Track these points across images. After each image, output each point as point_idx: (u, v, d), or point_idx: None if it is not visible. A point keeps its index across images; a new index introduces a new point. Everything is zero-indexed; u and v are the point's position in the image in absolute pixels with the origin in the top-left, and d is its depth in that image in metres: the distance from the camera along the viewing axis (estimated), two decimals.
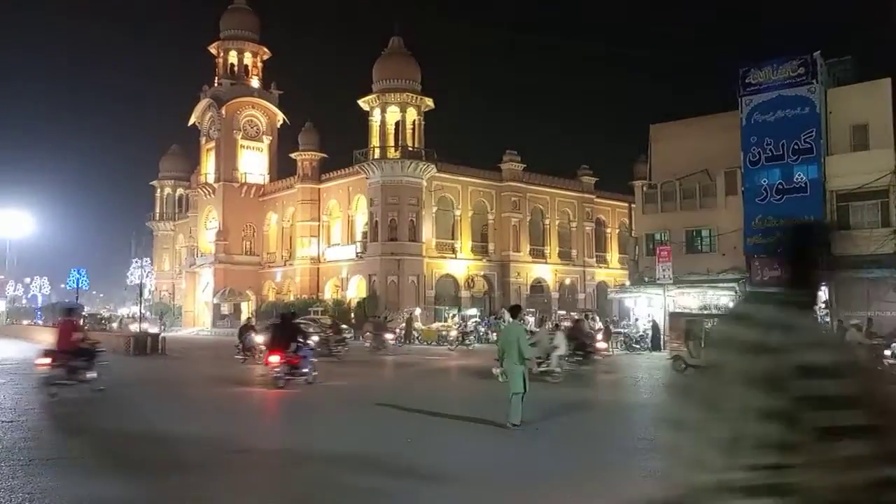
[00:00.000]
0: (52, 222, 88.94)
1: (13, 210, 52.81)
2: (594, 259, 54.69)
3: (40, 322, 37.73)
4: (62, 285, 63.70)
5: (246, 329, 22.14)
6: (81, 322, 14.91)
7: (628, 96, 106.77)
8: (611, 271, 55.06)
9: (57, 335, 12.31)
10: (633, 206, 40.19)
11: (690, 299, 30.88)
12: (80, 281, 45.98)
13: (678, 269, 29.57)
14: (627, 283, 37.51)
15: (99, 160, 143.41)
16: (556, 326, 20.90)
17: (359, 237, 48.77)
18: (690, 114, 34.69)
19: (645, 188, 35.26)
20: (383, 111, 44.86)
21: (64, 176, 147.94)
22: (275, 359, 14.03)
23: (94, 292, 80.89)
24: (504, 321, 37.10)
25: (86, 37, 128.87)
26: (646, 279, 32.23)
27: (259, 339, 20.80)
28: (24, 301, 70.24)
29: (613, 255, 56.57)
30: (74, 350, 11.99)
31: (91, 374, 12.13)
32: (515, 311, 10.48)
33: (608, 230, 56.88)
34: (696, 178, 32.58)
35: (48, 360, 11.87)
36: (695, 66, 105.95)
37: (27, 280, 69.55)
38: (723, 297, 29.91)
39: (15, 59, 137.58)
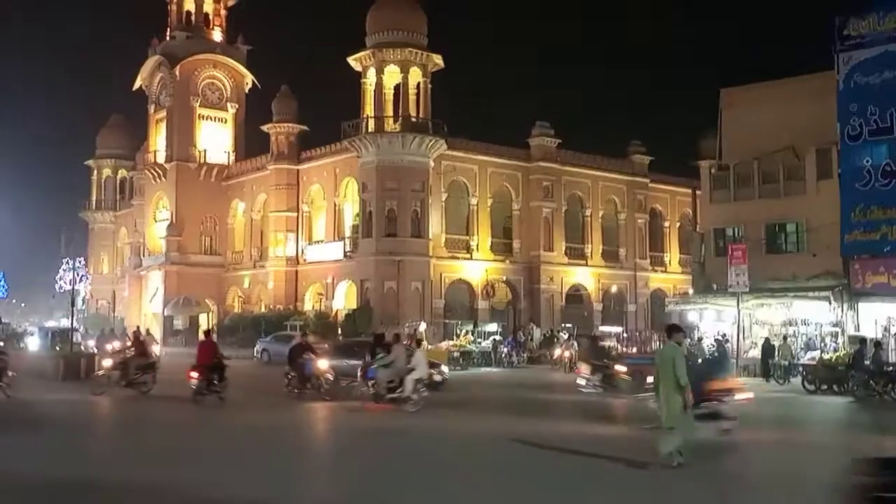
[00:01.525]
0: None
1: None
2: (648, 261, 54.63)
3: None
4: None
5: (302, 350, 20.15)
6: None
7: (694, 52, 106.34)
8: (669, 276, 55.02)
9: (199, 353, 18.81)
10: (698, 192, 40.10)
11: (772, 312, 30.78)
12: None
13: (756, 273, 29.44)
14: (691, 291, 37.43)
15: (19, 133, 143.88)
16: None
17: (348, 232, 48.91)
18: (773, 75, 34.57)
19: (713, 170, 35.18)
20: (379, 72, 44.94)
21: None
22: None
23: (13, 301, 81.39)
24: (532, 338, 38.02)
25: None
26: (714, 287, 32.16)
27: (323, 364, 19.72)
28: None
29: (673, 256, 56.49)
30: (212, 365, 18.48)
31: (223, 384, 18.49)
32: (673, 330, 11.39)
33: (666, 224, 56.80)
34: (780, 158, 32.46)
35: (197, 374, 18.33)
36: (779, 11, 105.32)
37: None
38: (813, 310, 29.78)
39: None
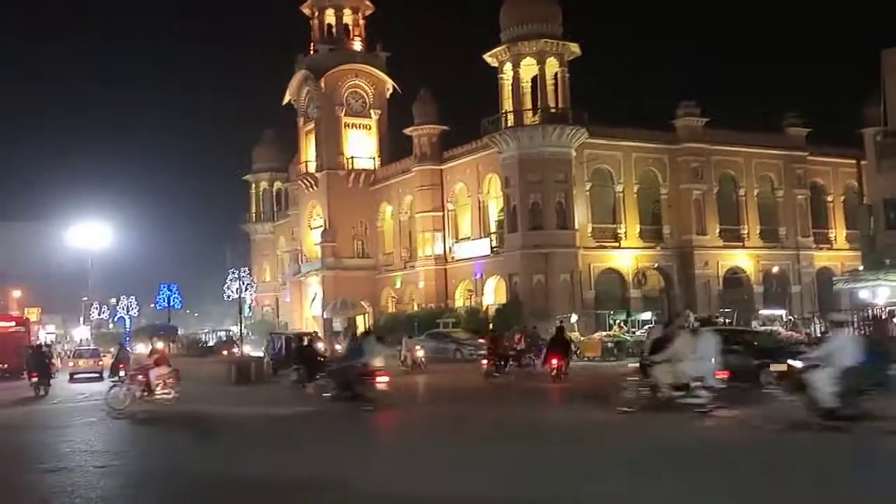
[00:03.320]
0: (135, 233, 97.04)
1: (90, 222, 58.60)
2: (811, 238, 51.92)
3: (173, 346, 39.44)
4: (151, 305, 69.63)
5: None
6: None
7: (851, 9, 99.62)
8: (836, 253, 52.15)
9: (490, 342, 25.23)
10: (863, 162, 37.91)
11: None
12: (172, 299, 50.13)
13: None
14: (860, 268, 35.40)
15: (183, 157, 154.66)
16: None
17: (493, 228, 49.31)
18: None
19: (879, 137, 33.15)
20: (516, 66, 45.00)
21: (145, 178, 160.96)
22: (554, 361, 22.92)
23: (187, 311, 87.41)
24: (689, 325, 36.64)
25: (161, 13, 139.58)
26: (887, 262, 30.29)
27: None
28: (110, 325, 77.37)
29: (839, 232, 53.49)
30: (504, 354, 24.59)
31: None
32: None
33: (829, 198, 53.83)
34: None
35: (489, 360, 24.31)
36: None
37: (112, 301, 76.34)
38: None
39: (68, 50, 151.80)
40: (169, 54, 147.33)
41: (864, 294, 32.29)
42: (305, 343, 26.50)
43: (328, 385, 18.86)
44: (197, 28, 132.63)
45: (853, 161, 46.66)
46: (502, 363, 24.39)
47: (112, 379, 20.66)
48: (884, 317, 26.05)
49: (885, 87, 33.64)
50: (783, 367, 15.97)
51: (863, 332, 26.11)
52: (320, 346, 27.80)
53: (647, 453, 11.13)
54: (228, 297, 56.52)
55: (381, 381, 17.43)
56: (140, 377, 17.94)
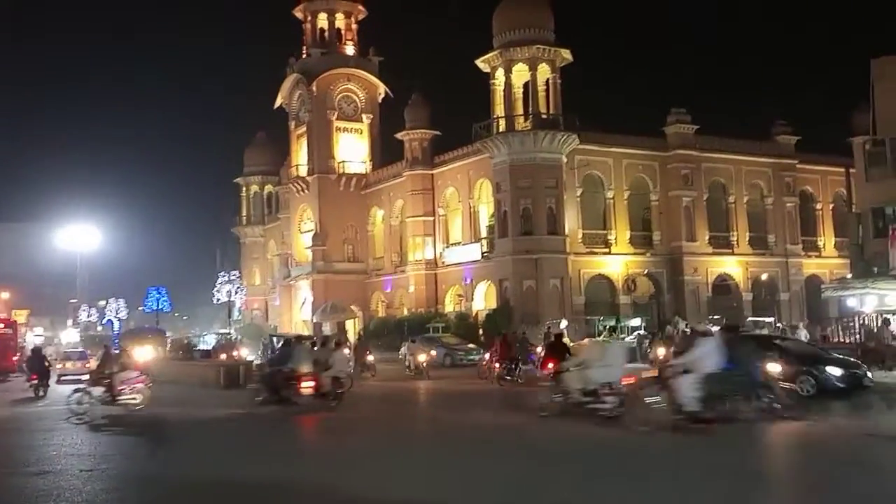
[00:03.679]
0: (125, 235, 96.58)
1: (79, 223, 58.37)
2: (800, 246, 52.11)
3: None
4: (140, 308, 69.24)
5: None
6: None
7: (838, 19, 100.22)
8: (824, 261, 52.35)
9: (500, 347, 24.87)
10: (852, 171, 38.06)
11: None
12: (161, 302, 49.95)
13: None
14: (849, 276, 35.55)
15: (174, 158, 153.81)
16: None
17: (484, 233, 49.32)
18: None
19: (868, 146, 33.34)
20: (508, 71, 45.06)
21: (134, 179, 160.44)
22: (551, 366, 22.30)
23: (176, 314, 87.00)
24: (678, 332, 36.61)
25: (154, 15, 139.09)
26: (875, 270, 30.44)
27: None
28: (98, 328, 76.93)
29: (827, 240, 53.71)
30: (513, 357, 24.48)
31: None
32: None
33: (818, 206, 54.03)
34: None
35: (500, 363, 24.39)
36: None
37: (101, 303, 76.01)
38: None
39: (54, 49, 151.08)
40: (161, 55, 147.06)
41: (852, 302, 32.42)
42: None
43: (259, 389, 19.10)
44: (190, 30, 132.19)
45: (842, 169, 46.82)
46: (514, 366, 24.30)
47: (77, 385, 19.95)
48: (879, 324, 26.15)
49: (874, 95, 33.80)
50: (838, 372, 17.09)
51: (856, 338, 26.24)
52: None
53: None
54: (218, 300, 56.53)
55: (307, 387, 17.66)
56: (104, 381, 17.73)
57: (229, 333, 50.28)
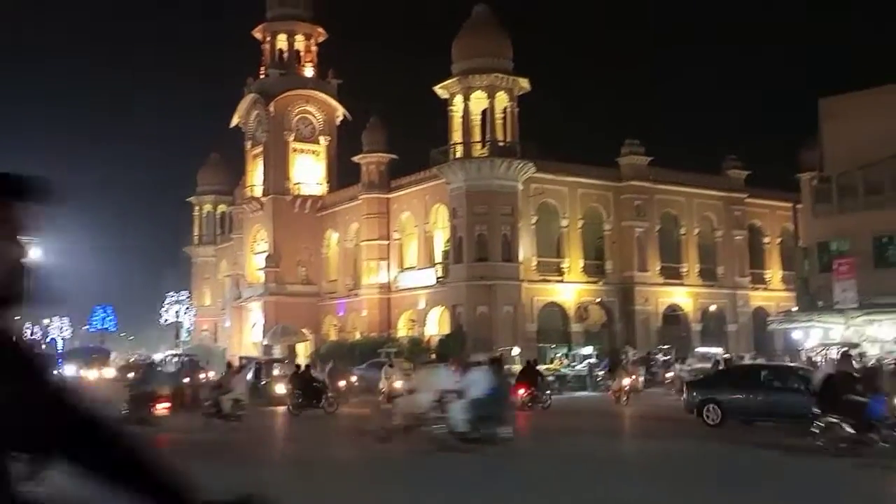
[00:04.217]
0: (69, 252, 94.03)
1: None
2: (748, 278, 53.00)
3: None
4: (84, 327, 67.58)
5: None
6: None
7: (788, 59, 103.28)
8: (771, 294, 53.24)
9: (525, 373, 25.27)
10: (799, 206, 38.80)
11: (884, 329, 29.33)
12: (106, 321, 48.84)
13: (865, 289, 28.23)
14: (794, 309, 36.19)
15: (124, 174, 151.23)
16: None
17: (439, 258, 49.24)
18: (875, 82, 33.21)
19: (815, 182, 34.11)
20: (466, 98, 45.35)
21: (80, 195, 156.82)
22: (521, 391, 23.64)
23: (122, 334, 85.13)
24: (628, 361, 36.93)
25: (107, 29, 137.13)
26: (820, 304, 30.99)
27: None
28: (42, 346, 74.93)
29: (774, 273, 54.69)
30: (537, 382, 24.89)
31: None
32: None
33: (766, 240, 55.05)
34: (886, 167, 31.15)
35: (522, 392, 23.56)
36: (882, 11, 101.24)
37: (45, 322, 74.01)
38: None
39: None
40: (111, 72, 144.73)
41: (796, 335, 33.04)
42: (302, 369, 26.35)
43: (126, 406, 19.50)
44: (143, 47, 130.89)
45: (790, 204, 47.62)
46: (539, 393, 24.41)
47: None
48: (842, 357, 26.27)
49: (822, 134, 34.69)
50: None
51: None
52: (314, 373, 27.35)
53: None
54: (165, 320, 55.48)
55: (161, 407, 18.68)
56: None
57: (194, 355, 48.94)
